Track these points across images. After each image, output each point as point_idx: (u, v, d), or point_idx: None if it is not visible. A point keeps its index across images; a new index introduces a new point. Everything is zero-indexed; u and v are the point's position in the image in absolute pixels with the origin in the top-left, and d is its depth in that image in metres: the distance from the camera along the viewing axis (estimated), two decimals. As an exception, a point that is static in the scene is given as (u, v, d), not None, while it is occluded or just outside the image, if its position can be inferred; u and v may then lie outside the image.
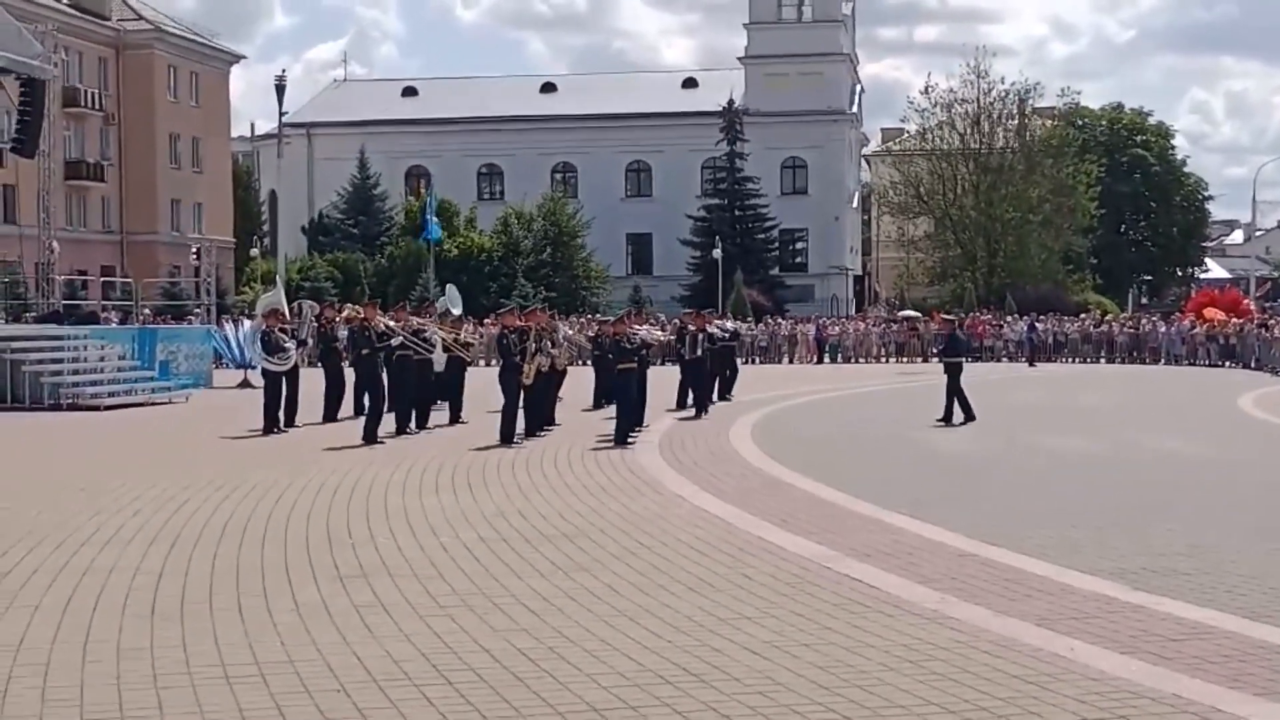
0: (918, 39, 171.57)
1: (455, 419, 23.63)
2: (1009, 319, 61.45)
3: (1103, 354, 57.02)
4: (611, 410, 22.06)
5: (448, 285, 31.61)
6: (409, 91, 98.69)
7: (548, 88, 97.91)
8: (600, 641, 8.07)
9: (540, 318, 21.97)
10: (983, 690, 7.06)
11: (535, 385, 20.30)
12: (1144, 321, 59.86)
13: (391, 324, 22.22)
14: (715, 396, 29.24)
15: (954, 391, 23.97)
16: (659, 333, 25.60)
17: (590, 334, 26.68)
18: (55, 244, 36.10)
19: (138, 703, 6.92)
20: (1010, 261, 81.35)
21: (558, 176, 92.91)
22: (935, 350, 31.03)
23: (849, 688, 7.13)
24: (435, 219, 66.12)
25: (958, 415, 23.51)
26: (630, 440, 19.32)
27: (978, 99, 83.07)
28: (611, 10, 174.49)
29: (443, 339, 23.70)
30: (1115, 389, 36.26)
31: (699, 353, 25.77)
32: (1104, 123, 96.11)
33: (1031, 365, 52.44)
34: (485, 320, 41.86)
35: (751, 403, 28.89)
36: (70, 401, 27.96)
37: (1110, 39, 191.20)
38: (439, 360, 23.44)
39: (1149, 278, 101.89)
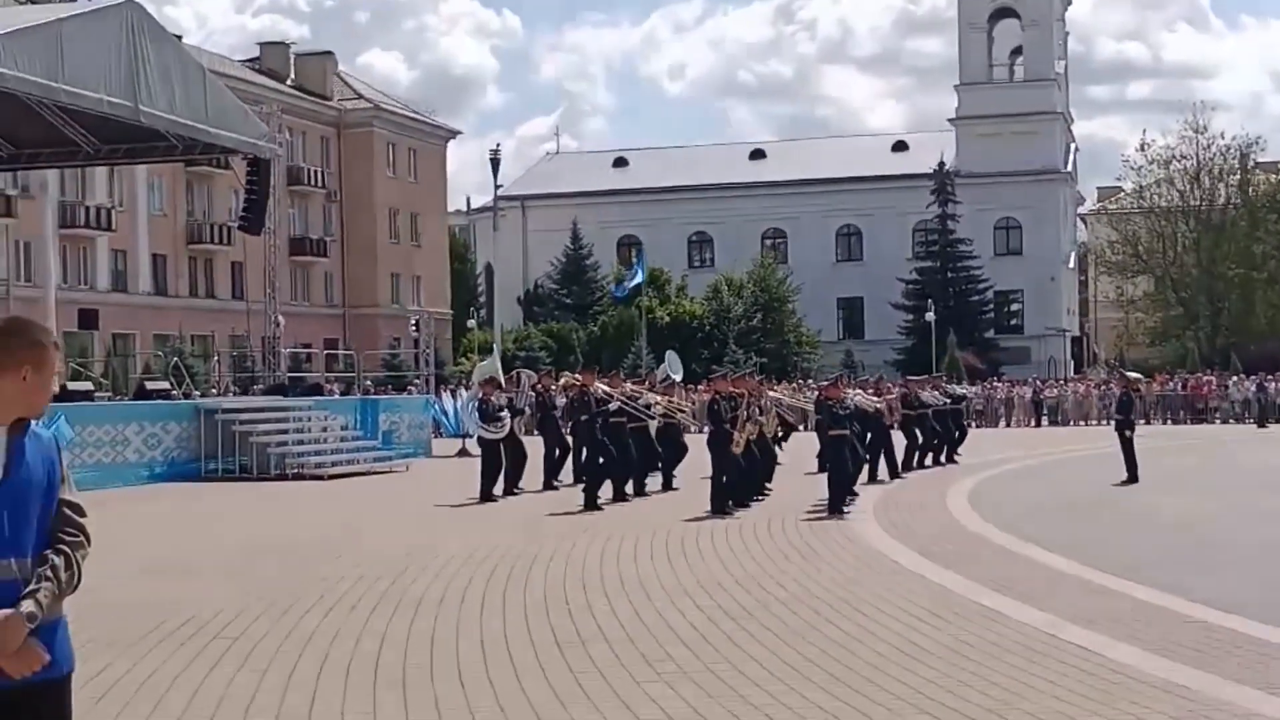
0: (1130, 96, 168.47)
1: (667, 485, 23.72)
2: (1234, 379, 59.70)
3: (1335, 414, 55.05)
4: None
5: (668, 352, 31.79)
6: (619, 162, 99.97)
7: (756, 154, 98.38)
8: (818, 709, 7.99)
9: (750, 384, 21.91)
10: (1217, 762, 6.81)
11: (746, 453, 20.21)
12: (1378, 379, 57.63)
13: (609, 390, 22.43)
14: (944, 458, 29.28)
15: (1127, 450, 24.19)
16: (874, 398, 25.33)
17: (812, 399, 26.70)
18: (281, 318, 37.21)
19: (362, 766, 7.02)
20: (1234, 320, 79.18)
21: (768, 242, 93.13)
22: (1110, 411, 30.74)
23: (1075, 758, 6.94)
24: (630, 283, 66.27)
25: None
26: (846, 510, 19.06)
27: (1197, 155, 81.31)
28: (816, 77, 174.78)
29: (658, 404, 23.84)
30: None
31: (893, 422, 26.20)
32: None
33: (1262, 426, 50.81)
34: (697, 386, 42.02)
35: (968, 467, 28.49)
36: (295, 471, 28.71)
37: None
38: (653, 426, 23.60)
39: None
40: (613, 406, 22.03)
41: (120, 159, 36.69)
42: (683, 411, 25.87)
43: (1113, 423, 25.01)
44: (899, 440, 26.99)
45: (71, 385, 30.08)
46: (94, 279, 62.16)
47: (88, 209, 61.01)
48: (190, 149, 32.95)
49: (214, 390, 40.01)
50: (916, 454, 27.90)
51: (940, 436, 29.44)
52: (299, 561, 14.87)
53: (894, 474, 25.51)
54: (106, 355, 51.83)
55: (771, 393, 25.74)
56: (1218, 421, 55.20)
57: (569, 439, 25.15)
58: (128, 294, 63.08)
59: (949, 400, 30.72)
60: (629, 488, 22.10)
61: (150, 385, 33.40)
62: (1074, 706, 7.92)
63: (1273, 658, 9.14)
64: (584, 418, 21.99)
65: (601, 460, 21.56)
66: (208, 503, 23.92)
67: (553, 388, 27.13)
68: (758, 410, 21.04)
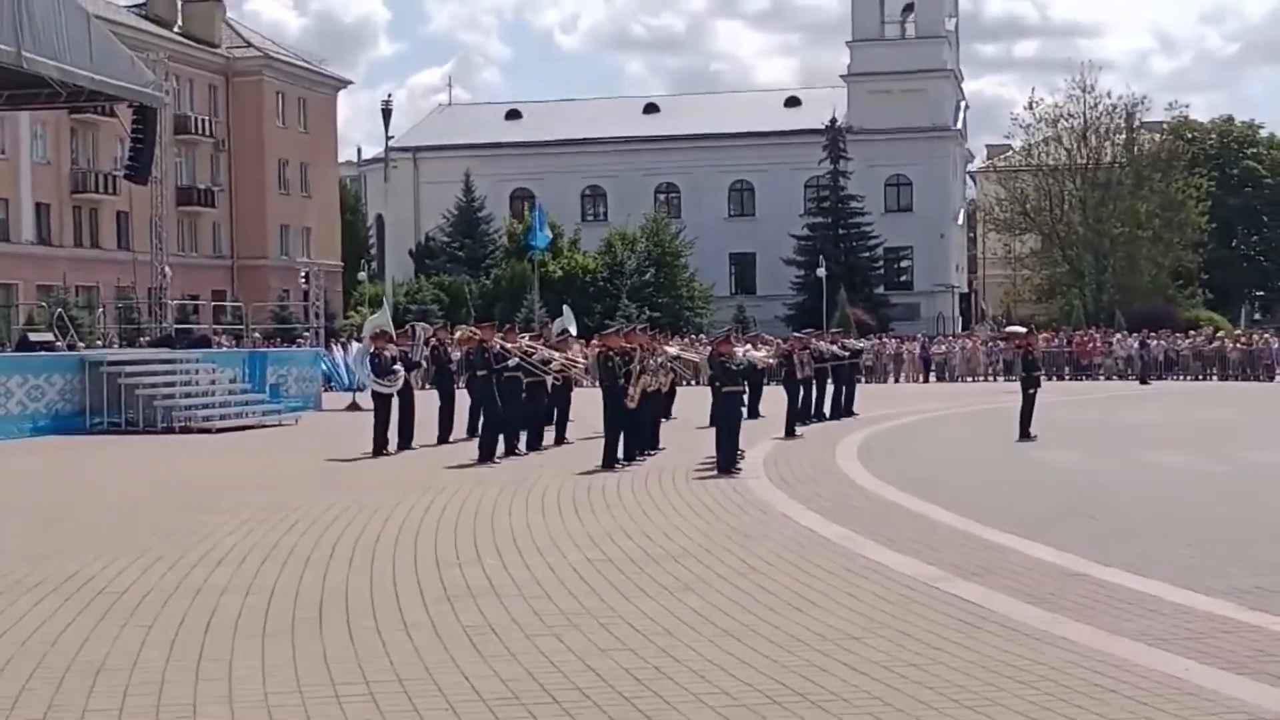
0: (1018, 55, 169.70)
1: (560, 439, 23.75)
2: (1118, 336, 60.72)
3: (1214, 371, 56.18)
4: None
5: (564, 307, 31.90)
6: (513, 115, 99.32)
7: (650, 109, 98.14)
8: (706, 661, 8.06)
9: (641, 339, 21.90)
10: (1095, 711, 6.96)
11: (638, 408, 20.24)
12: (1257, 338, 58.85)
13: (507, 345, 22.35)
14: (839, 412, 29.65)
15: (1027, 408, 24.29)
16: (763, 354, 25.38)
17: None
18: (168, 269, 36.69)
19: (250, 721, 7.01)
20: (1119, 278, 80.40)
21: (661, 197, 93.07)
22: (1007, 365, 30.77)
23: (958, 708, 7.07)
24: (545, 231, 66.31)
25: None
26: (737, 466, 19.10)
27: (1084, 113, 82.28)
28: (709, 32, 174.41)
29: (556, 360, 23.82)
30: (1230, 406, 35.68)
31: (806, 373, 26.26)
32: (1214, 136, 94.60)
33: (1144, 383, 51.77)
34: (589, 341, 42.02)
35: (857, 422, 28.77)
36: (182, 424, 28.39)
37: (1215, 52, 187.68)
38: (549, 381, 23.61)
39: (1261, 293, 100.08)
40: (511, 363, 21.95)
41: (2, 105, 35.95)
42: (578, 366, 25.85)
43: (1018, 380, 25.24)
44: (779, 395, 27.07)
45: (-48, 336, 29.51)
46: (-25, 228, 60.99)
47: (-32, 157, 59.85)
48: (75, 96, 32.36)
49: (99, 342, 39.40)
50: (813, 407, 28.18)
51: (835, 389, 29.89)
52: (186, 515, 14.73)
53: (788, 432, 25.45)
54: (-12, 306, 50.89)
55: (669, 348, 25.72)
56: (1101, 378, 56.15)
57: (463, 393, 25.10)
58: (10, 243, 61.86)
59: (847, 354, 31.14)
60: (522, 442, 22.09)
61: (34, 336, 32.84)
62: (955, 658, 8.06)
63: (1155, 611, 9.34)
64: (481, 373, 21.92)
65: (496, 415, 21.52)
66: (93, 456, 23.60)
67: (448, 341, 27.01)
68: (652, 364, 21.05)
